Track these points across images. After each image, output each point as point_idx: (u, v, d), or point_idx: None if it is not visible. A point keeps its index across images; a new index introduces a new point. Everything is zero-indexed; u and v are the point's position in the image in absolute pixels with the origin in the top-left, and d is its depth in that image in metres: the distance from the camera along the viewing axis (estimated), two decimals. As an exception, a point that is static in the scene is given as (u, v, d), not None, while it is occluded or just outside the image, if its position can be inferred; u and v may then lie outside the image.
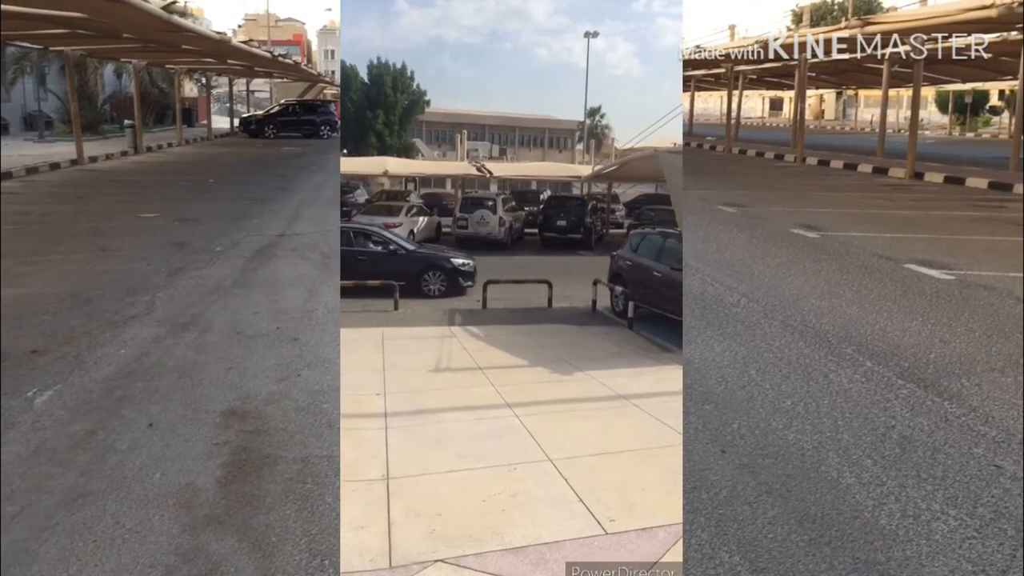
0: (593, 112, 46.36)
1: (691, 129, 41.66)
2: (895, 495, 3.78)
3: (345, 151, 35.54)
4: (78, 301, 7.23)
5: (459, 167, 24.07)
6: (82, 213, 12.97)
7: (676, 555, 3.30)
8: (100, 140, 27.29)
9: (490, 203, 17.20)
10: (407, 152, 38.42)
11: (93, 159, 21.87)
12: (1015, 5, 14.44)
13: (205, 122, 35.31)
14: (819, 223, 12.21)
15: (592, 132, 44.99)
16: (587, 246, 16.96)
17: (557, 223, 17.33)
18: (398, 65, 40.63)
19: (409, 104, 40.65)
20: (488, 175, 20.43)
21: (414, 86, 41.05)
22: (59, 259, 9.13)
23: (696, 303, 7.44)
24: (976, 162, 22.73)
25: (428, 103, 42.44)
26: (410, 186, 22.56)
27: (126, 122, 27.15)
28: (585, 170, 24.62)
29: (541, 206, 19.42)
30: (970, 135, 42.96)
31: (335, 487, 3.84)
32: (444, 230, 17.84)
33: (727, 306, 7.35)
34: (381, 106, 39.21)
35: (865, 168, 22.22)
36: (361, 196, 20.85)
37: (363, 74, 39.84)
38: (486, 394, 6.11)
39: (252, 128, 36.24)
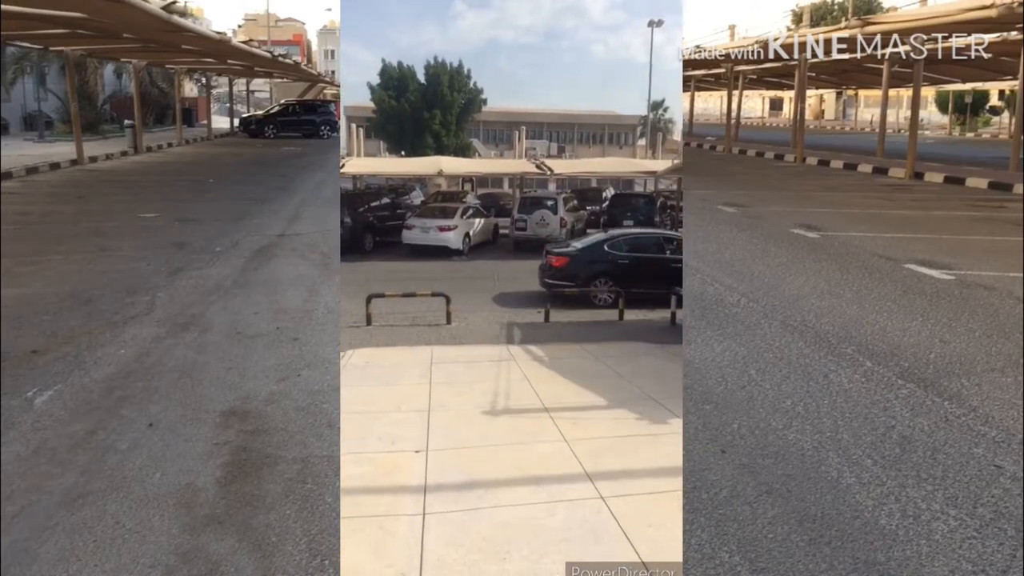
0: (656, 105, 44.77)
1: (691, 129, 41.66)
2: (895, 495, 3.78)
3: (403, 152, 35.29)
4: (78, 301, 7.23)
5: (517, 165, 22.99)
6: (82, 213, 12.97)
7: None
8: (100, 140, 27.30)
9: (550, 203, 16.10)
10: (464, 152, 37.66)
11: (93, 159, 21.87)
12: (1015, 5, 14.43)
13: (205, 122, 35.31)
14: (819, 223, 12.21)
15: (655, 126, 43.44)
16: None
17: (624, 222, 16.15)
18: (455, 64, 39.74)
19: (466, 103, 39.59)
20: (548, 172, 19.33)
21: (471, 84, 40.03)
22: (59, 259, 9.13)
23: (696, 303, 7.44)
24: (976, 162, 22.72)
25: (485, 102, 41.20)
26: (467, 187, 21.81)
27: (126, 122, 27.15)
28: (655, 165, 23.44)
29: (605, 204, 18.35)
30: (970, 135, 42.95)
31: (335, 487, 3.84)
32: (502, 232, 16.91)
33: (727, 306, 7.35)
34: (438, 106, 38.34)
35: (865, 168, 22.22)
36: (417, 198, 20.35)
37: (420, 75, 38.98)
38: (556, 455, 4.66)
39: (252, 128, 36.24)
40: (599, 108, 47.86)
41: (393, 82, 37.79)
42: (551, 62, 60.11)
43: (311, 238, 10.80)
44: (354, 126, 38.64)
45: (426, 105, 38.17)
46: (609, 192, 21.45)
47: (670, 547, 3.40)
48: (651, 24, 36.04)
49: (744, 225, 12.36)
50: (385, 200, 17.75)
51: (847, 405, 4.91)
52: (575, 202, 17.47)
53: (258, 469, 4.03)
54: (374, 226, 15.87)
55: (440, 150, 35.38)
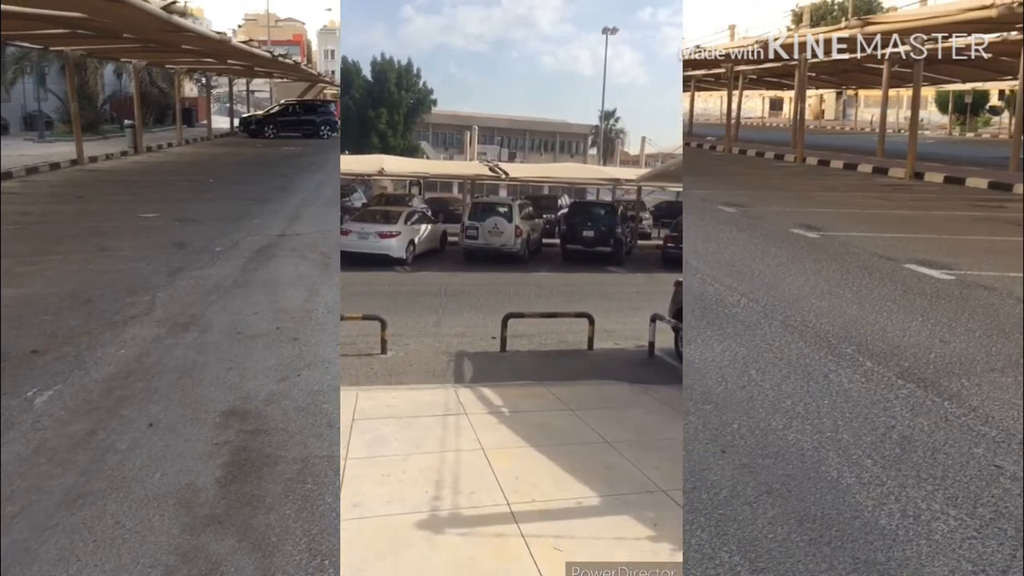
0: (608, 116, 44.67)
1: (691, 129, 41.66)
2: (895, 495, 3.78)
3: (346, 151, 34.08)
4: (78, 301, 7.23)
5: (469, 167, 21.23)
6: (82, 213, 12.97)
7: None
8: (100, 140, 27.29)
9: (504, 209, 14.97)
10: (412, 155, 36.38)
11: (93, 159, 21.87)
12: (1015, 5, 14.43)
13: (205, 122, 35.31)
14: (819, 223, 12.21)
15: (607, 136, 43.37)
16: (617, 260, 15.12)
17: (583, 233, 15.19)
18: (403, 62, 38.47)
19: (414, 103, 38.30)
20: (503, 176, 18.24)
21: (420, 84, 38.78)
22: (59, 259, 9.13)
23: (696, 303, 7.44)
24: (976, 162, 22.73)
25: (435, 102, 40.12)
26: (414, 190, 20.62)
27: (126, 122, 27.15)
28: (619, 172, 22.01)
29: (562, 213, 17.32)
30: (970, 135, 42.97)
31: (335, 487, 3.84)
32: (451, 239, 15.77)
33: (727, 306, 7.35)
34: (384, 104, 36.96)
35: (865, 168, 22.22)
36: (359, 200, 19.09)
37: (366, 71, 37.75)
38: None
39: (252, 128, 36.24)
40: (550, 116, 47.78)
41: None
42: (501, 70, 60.30)
43: (311, 238, 10.80)
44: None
45: (372, 103, 36.77)
46: (565, 200, 20.30)
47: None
48: (605, 31, 35.46)
49: (744, 225, 12.36)
50: None
51: (847, 405, 4.91)
52: (530, 209, 16.41)
53: (258, 469, 4.03)
54: None
55: (387, 151, 33.63)
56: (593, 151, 45.13)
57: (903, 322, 6.79)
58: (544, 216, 17.35)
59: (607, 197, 21.36)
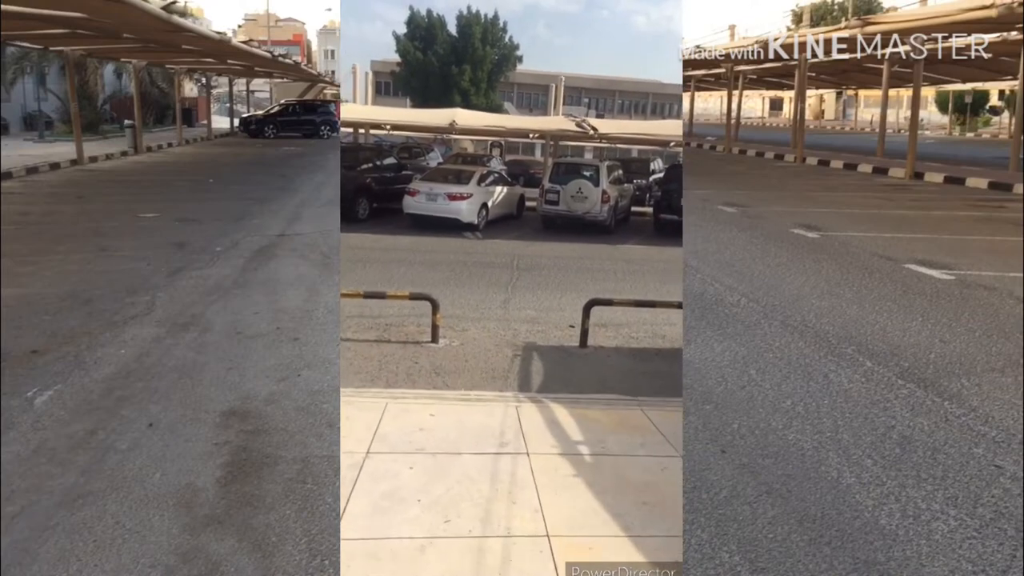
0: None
1: (691, 129, 41.64)
2: (895, 495, 3.78)
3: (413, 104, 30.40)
4: (78, 301, 7.23)
5: (552, 122, 18.76)
6: (82, 213, 12.96)
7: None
8: (100, 140, 27.28)
9: (590, 172, 13.09)
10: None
11: (93, 159, 21.87)
12: (1015, 5, 14.43)
13: (205, 122, 35.30)
14: (819, 223, 12.21)
15: None
16: None
17: (681, 202, 13.15)
18: (490, 16, 35.26)
19: (499, 60, 35.23)
20: (590, 132, 15.82)
21: (506, 39, 35.57)
22: (59, 259, 9.13)
23: (696, 303, 7.44)
24: (976, 162, 22.73)
25: (520, 59, 36.59)
26: (494, 151, 18.83)
27: (126, 122, 27.13)
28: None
29: (655, 178, 15.35)
30: (970, 135, 42.96)
31: (335, 487, 3.84)
32: (529, 204, 14.08)
33: (727, 306, 7.35)
34: (468, 61, 33.95)
35: (865, 168, 22.22)
36: (434, 160, 17.46)
37: (451, 27, 34.45)
38: None
39: (252, 128, 36.22)
40: (641, 76, 43.73)
41: (421, 31, 33.94)
42: (590, 30, 55.67)
43: (311, 238, 10.79)
44: (365, 72, 34.26)
45: (455, 59, 33.97)
46: (658, 164, 17.97)
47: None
48: None
49: (744, 225, 12.36)
50: (390, 160, 15.26)
51: (847, 405, 4.91)
52: (620, 172, 14.23)
53: (258, 469, 4.03)
54: (371, 189, 13.62)
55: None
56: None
57: (903, 322, 6.79)
58: (635, 181, 15.49)
59: None
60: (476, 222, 12.75)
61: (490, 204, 13.03)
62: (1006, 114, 42.12)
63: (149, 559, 3.24)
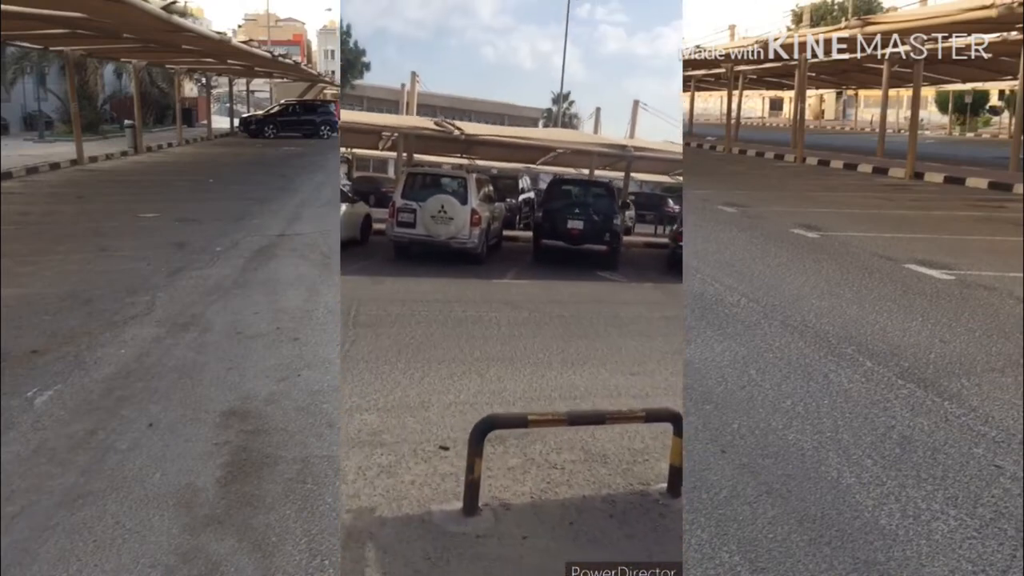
0: (564, 97, 40.76)
1: (691, 129, 41.65)
2: (895, 495, 3.78)
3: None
4: (78, 301, 7.23)
5: (405, 121, 15.60)
6: (82, 213, 12.97)
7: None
8: (100, 140, 27.30)
9: (455, 186, 10.72)
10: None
11: (93, 159, 21.87)
12: (1015, 5, 14.44)
13: (205, 122, 35.33)
14: (819, 223, 12.21)
15: (563, 121, 39.38)
16: (610, 265, 11.37)
17: (568, 225, 11.23)
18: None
19: (344, 66, 35.88)
20: (457, 134, 13.05)
21: (351, 43, 36.73)
22: (59, 259, 9.13)
23: (696, 303, 7.44)
24: (976, 162, 22.73)
25: (368, 66, 37.31)
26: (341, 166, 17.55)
27: (126, 122, 27.15)
28: (625, 140, 15.42)
29: (524, 198, 13.52)
30: (970, 135, 42.97)
31: (335, 487, 3.84)
32: (378, 227, 11.71)
33: (727, 306, 7.35)
34: None
35: (865, 168, 22.22)
36: None
37: None
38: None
39: (252, 128, 36.25)
40: (498, 98, 42.54)
41: None
42: (445, 55, 55.88)
43: (311, 238, 10.79)
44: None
45: None
46: (526, 183, 15.78)
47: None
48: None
49: (744, 225, 12.36)
50: None
51: (847, 405, 4.91)
52: (490, 188, 11.88)
53: (258, 469, 4.03)
54: None
55: None
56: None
57: (903, 322, 6.78)
58: (508, 200, 13.38)
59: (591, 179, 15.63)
60: None
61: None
62: (1006, 114, 42.13)
63: (149, 559, 3.24)
